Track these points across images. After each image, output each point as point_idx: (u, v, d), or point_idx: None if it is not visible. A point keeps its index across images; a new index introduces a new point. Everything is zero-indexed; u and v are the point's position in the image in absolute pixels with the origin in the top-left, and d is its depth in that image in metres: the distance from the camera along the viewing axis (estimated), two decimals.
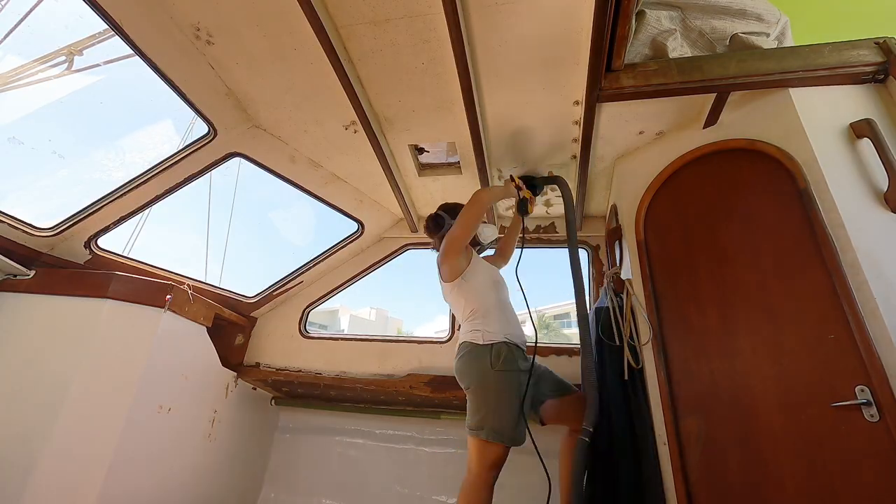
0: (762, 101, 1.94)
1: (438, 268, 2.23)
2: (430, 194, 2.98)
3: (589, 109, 2.06)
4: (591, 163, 2.47)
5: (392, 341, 3.20)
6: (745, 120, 1.98)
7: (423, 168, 2.75)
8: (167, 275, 2.74)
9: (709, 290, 1.88)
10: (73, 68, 3.80)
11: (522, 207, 2.39)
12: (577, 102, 2.12)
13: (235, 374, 3.05)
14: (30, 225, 2.21)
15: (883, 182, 1.62)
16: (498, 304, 2.17)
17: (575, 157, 2.49)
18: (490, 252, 2.65)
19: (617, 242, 2.54)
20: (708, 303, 1.87)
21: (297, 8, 1.63)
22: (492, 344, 2.02)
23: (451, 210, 2.39)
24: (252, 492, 3.18)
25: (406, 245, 3.35)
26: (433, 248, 2.42)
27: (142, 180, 2.33)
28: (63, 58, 3.81)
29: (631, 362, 2.06)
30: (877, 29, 1.87)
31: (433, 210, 2.47)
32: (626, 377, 2.08)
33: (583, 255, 3.16)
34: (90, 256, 2.48)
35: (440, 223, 2.38)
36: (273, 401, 3.39)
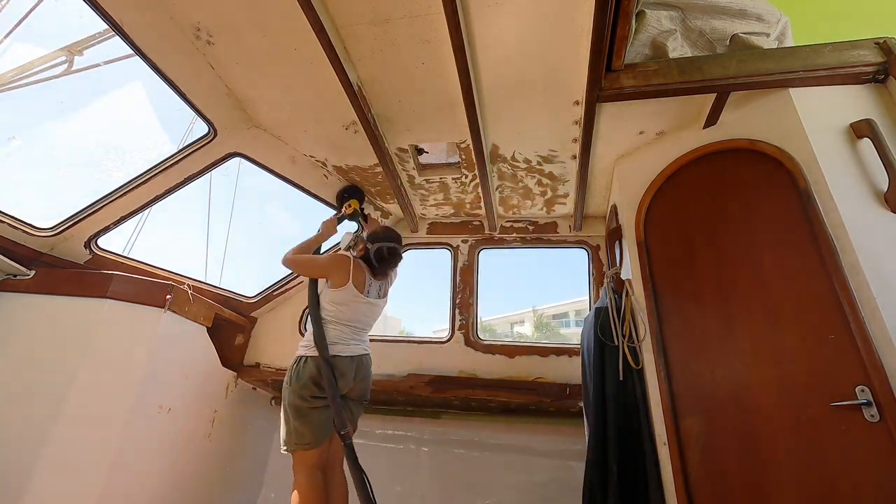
0: (762, 102, 1.93)
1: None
2: (430, 194, 2.98)
3: (589, 109, 2.05)
4: (591, 163, 2.46)
5: (392, 341, 3.20)
6: (745, 120, 1.98)
7: (423, 168, 2.75)
8: (167, 275, 2.74)
9: (709, 290, 1.88)
10: (73, 68, 3.80)
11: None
12: (577, 102, 2.12)
13: (235, 374, 3.05)
14: (30, 225, 2.21)
15: (883, 182, 1.62)
16: None
17: (575, 156, 2.49)
18: None
19: (617, 242, 2.54)
20: (708, 303, 1.87)
21: (297, 8, 1.63)
22: None
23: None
24: (252, 492, 3.18)
25: (406, 245, 3.35)
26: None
27: (142, 180, 2.33)
28: (63, 58, 3.80)
29: (630, 362, 2.06)
30: (877, 29, 1.87)
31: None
32: (622, 377, 2.08)
33: (583, 255, 3.16)
34: (90, 256, 2.48)
35: None
36: (273, 401, 3.39)
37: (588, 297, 3.12)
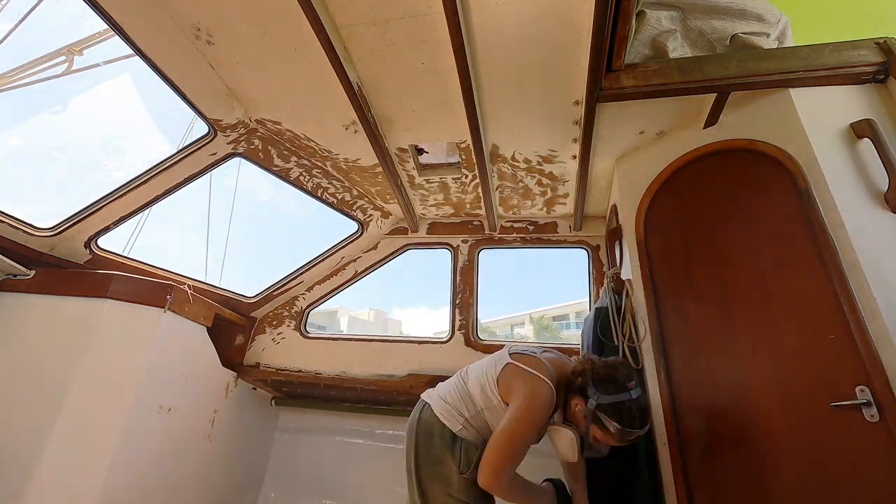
0: (762, 102, 1.93)
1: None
2: (430, 194, 2.98)
3: (589, 109, 2.05)
4: (591, 163, 2.47)
5: (392, 341, 3.20)
6: (745, 120, 1.98)
7: (423, 168, 2.75)
8: (167, 275, 2.74)
9: (709, 290, 1.88)
10: (73, 68, 3.81)
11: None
12: (577, 102, 2.12)
13: (235, 374, 3.05)
14: (30, 225, 2.21)
15: (883, 182, 1.62)
16: None
17: (575, 156, 2.49)
18: None
19: (617, 242, 2.54)
20: (708, 303, 1.87)
21: (297, 8, 1.63)
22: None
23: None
24: (252, 492, 3.18)
25: (406, 245, 3.35)
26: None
27: (142, 180, 2.33)
28: (63, 58, 3.81)
29: (630, 362, 2.06)
30: (877, 29, 1.87)
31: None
32: None
33: (583, 255, 3.16)
34: (90, 256, 2.48)
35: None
36: (273, 401, 3.39)
37: (588, 298, 3.12)
